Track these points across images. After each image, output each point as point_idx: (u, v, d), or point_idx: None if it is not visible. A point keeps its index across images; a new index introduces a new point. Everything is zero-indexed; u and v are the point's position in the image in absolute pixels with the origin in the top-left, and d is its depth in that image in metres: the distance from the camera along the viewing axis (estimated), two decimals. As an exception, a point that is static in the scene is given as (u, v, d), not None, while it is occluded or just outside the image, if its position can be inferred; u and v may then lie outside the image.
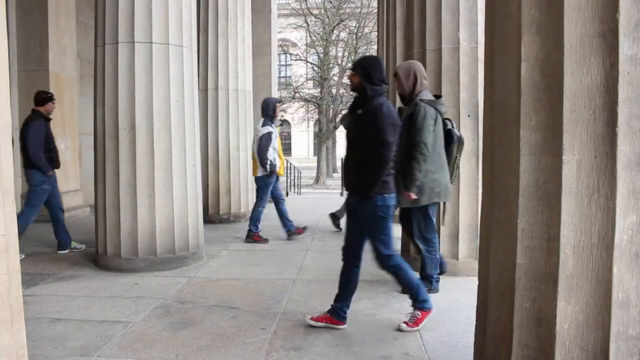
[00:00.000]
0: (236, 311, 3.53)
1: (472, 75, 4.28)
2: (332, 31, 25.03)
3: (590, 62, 1.62)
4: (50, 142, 5.24)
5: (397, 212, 3.70)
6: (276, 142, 5.87)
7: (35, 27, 7.52)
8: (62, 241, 5.42)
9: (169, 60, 4.57)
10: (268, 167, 5.78)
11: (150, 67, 4.50)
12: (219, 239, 6.14)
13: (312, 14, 25.24)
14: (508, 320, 1.84)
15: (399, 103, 4.14)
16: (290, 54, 31.30)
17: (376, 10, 14.12)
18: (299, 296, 3.90)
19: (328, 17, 24.75)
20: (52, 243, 5.64)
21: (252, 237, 5.98)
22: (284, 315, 3.44)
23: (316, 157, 26.52)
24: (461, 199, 4.31)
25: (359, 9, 24.25)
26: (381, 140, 2.93)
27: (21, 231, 5.01)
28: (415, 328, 3.14)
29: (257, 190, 6.05)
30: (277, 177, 6.08)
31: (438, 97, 3.87)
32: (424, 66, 4.40)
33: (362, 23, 24.35)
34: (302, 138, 39.33)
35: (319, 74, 25.69)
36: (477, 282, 2.17)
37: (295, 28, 26.93)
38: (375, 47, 16.63)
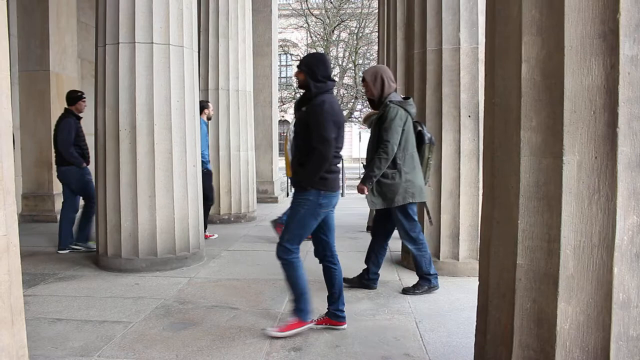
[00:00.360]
0: (237, 312, 3.53)
1: (473, 75, 4.27)
2: (333, 31, 25.04)
3: (591, 63, 1.62)
4: (81, 139, 5.45)
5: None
6: None
7: (36, 27, 7.52)
8: (63, 240, 5.42)
9: (169, 61, 4.58)
10: None
11: (151, 68, 4.50)
12: (219, 240, 6.14)
13: (312, 14, 25.25)
14: (508, 321, 1.84)
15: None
16: (291, 55, 31.31)
17: (377, 10, 14.14)
18: (300, 296, 3.89)
19: (329, 18, 24.75)
20: (53, 243, 5.65)
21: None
22: (284, 316, 3.43)
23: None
24: (462, 200, 4.31)
25: (360, 10, 24.26)
26: (321, 136, 2.92)
27: (89, 227, 5.45)
28: (281, 334, 3.03)
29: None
30: None
31: (407, 98, 3.91)
32: (425, 66, 4.42)
33: (363, 23, 24.36)
34: (303, 138, 39.27)
35: (320, 75, 25.64)
36: (477, 283, 2.17)
37: (296, 28, 26.95)
38: (376, 47, 16.64)
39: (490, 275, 2.00)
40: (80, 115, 5.50)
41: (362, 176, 3.85)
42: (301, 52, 29.62)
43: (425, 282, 3.90)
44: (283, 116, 31.95)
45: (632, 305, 1.64)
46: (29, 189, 7.74)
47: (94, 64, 4.83)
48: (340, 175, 3.14)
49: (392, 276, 4.43)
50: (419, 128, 3.96)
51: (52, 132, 5.52)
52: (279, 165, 10.89)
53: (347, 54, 25.42)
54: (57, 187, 7.67)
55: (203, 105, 6.19)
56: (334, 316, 3.19)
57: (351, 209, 8.85)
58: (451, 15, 4.29)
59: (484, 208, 2.12)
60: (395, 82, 3.91)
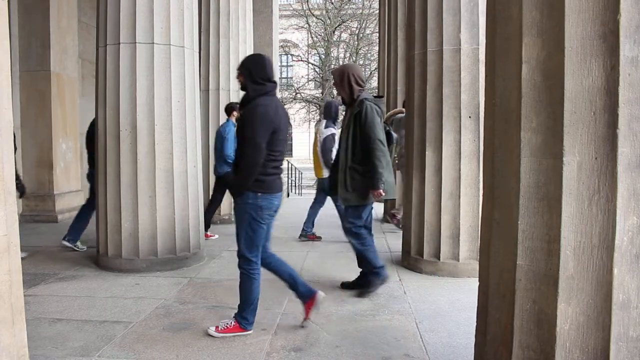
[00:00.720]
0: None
1: (473, 76, 4.28)
2: (334, 32, 25.07)
3: (591, 64, 1.62)
4: None
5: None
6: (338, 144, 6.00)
7: (37, 27, 7.53)
8: (73, 235, 5.44)
9: (170, 61, 4.58)
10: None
11: (151, 68, 4.50)
12: (219, 240, 6.14)
13: (313, 15, 25.28)
14: (508, 322, 1.84)
15: (400, 105, 4.18)
16: (292, 55, 31.33)
17: (377, 11, 14.14)
18: (300, 297, 3.90)
19: (329, 18, 24.78)
20: (53, 243, 5.65)
21: (308, 236, 6.12)
22: (284, 316, 3.44)
23: (317, 158, 26.45)
24: (462, 200, 4.31)
25: (361, 10, 24.30)
26: (251, 141, 2.90)
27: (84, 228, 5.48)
28: (221, 334, 3.04)
29: (320, 191, 6.20)
30: None
31: (379, 97, 3.92)
32: (425, 67, 4.42)
33: (364, 24, 24.39)
34: (304, 139, 39.29)
35: (320, 75, 25.72)
36: (477, 283, 2.17)
37: (297, 29, 26.96)
38: (377, 48, 16.64)
39: (490, 276, 2.00)
40: None
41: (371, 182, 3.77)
42: (302, 52, 29.65)
43: (376, 277, 3.85)
44: (283, 117, 31.91)
45: (632, 306, 1.64)
46: (30, 189, 7.73)
47: (95, 64, 4.84)
48: (282, 177, 3.13)
49: (393, 276, 4.43)
50: (387, 128, 3.97)
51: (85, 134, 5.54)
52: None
53: (348, 55, 25.45)
54: (58, 187, 7.70)
55: (232, 107, 6.15)
56: (305, 298, 3.21)
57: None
58: (452, 16, 4.29)
59: (484, 209, 2.12)
60: (363, 80, 3.90)
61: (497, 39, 1.96)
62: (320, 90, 25.33)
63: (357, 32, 24.64)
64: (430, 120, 4.39)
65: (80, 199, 8.28)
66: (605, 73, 1.60)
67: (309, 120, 30.43)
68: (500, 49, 1.94)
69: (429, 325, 3.24)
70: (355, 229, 3.88)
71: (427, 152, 4.42)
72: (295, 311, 3.53)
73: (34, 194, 7.63)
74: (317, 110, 26.44)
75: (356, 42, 24.71)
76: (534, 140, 1.74)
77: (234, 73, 7.39)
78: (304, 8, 24.80)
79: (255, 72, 2.99)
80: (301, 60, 29.10)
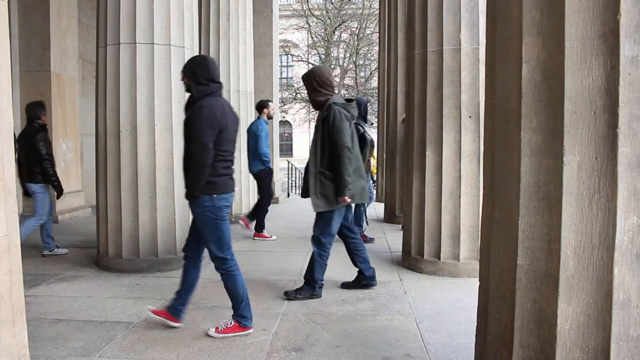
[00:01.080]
0: (237, 312, 3.53)
1: (474, 76, 4.28)
2: (334, 32, 25.07)
3: (591, 64, 1.62)
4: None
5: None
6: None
7: (37, 27, 7.54)
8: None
9: (170, 61, 4.58)
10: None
11: (151, 68, 4.51)
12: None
13: (313, 15, 25.29)
14: (509, 322, 1.84)
15: (400, 105, 4.15)
16: (292, 55, 31.34)
17: (378, 11, 14.14)
18: (300, 297, 3.89)
19: (329, 18, 24.79)
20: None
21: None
22: (285, 316, 3.44)
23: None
24: (462, 200, 4.31)
25: (361, 10, 24.30)
26: (197, 141, 2.91)
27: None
28: (221, 335, 3.06)
29: None
30: (371, 177, 6.17)
31: (350, 100, 3.88)
32: (425, 67, 4.42)
33: (364, 24, 24.39)
34: (304, 139, 39.31)
35: (321, 75, 25.67)
36: (478, 283, 2.17)
37: (297, 29, 26.97)
38: (377, 48, 16.65)
39: (490, 276, 2.00)
40: None
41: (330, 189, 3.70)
42: (302, 52, 29.66)
43: (310, 289, 3.81)
44: (284, 117, 31.99)
45: (633, 306, 1.64)
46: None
47: (95, 64, 4.84)
48: (232, 178, 3.16)
49: (393, 276, 4.43)
50: (362, 131, 3.93)
51: None
52: (280, 165, 10.88)
53: (348, 55, 25.46)
54: (58, 187, 7.69)
55: (263, 104, 6.10)
56: (173, 310, 3.21)
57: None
58: (452, 16, 4.29)
59: (484, 208, 2.12)
60: (330, 83, 3.82)
61: (497, 38, 1.96)
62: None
63: (357, 32, 24.65)
64: (430, 120, 4.39)
65: (81, 199, 8.30)
66: (605, 73, 1.60)
67: (309, 121, 30.42)
68: (500, 49, 1.94)
69: (429, 325, 3.24)
70: (323, 237, 3.80)
71: (427, 152, 4.42)
72: (296, 311, 3.53)
73: (34, 194, 7.61)
74: (317, 111, 26.40)
75: (356, 42, 24.71)
76: (534, 140, 1.74)
77: (234, 73, 7.44)
78: (304, 8, 24.80)
79: (198, 73, 3.00)
80: (301, 61, 29.11)
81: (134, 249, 4.55)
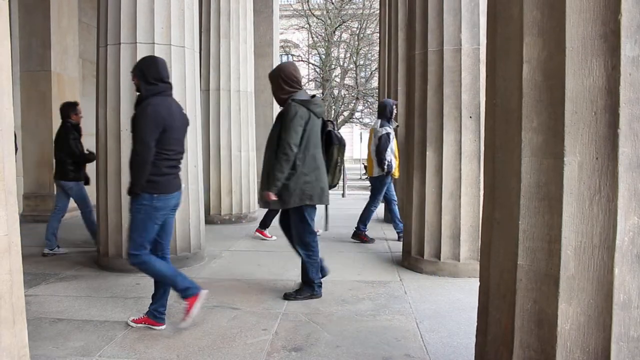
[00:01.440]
0: (237, 312, 3.53)
1: (474, 76, 4.27)
2: (334, 32, 25.05)
3: (592, 64, 1.62)
4: None
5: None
6: (393, 144, 5.94)
7: (38, 27, 7.54)
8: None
9: (171, 61, 4.57)
10: (386, 167, 5.83)
11: (152, 68, 4.50)
12: (220, 240, 6.14)
13: (314, 15, 25.26)
14: (509, 322, 1.84)
15: (401, 105, 4.10)
16: (292, 55, 31.30)
17: (378, 11, 14.13)
18: (300, 297, 3.89)
19: (330, 19, 24.76)
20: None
21: (360, 236, 6.02)
22: (285, 316, 3.44)
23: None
24: (463, 200, 4.31)
25: (361, 11, 24.28)
26: (140, 139, 2.95)
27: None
28: (188, 318, 3.13)
29: (372, 190, 6.16)
30: (392, 179, 6.16)
31: (313, 96, 3.81)
32: (426, 67, 4.42)
33: (364, 24, 24.37)
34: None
35: (321, 75, 25.71)
36: (478, 283, 2.17)
37: (297, 29, 26.93)
38: (377, 48, 16.63)
39: (490, 276, 2.00)
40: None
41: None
42: (302, 52, 29.64)
43: (309, 289, 3.80)
44: (284, 117, 31.89)
45: (633, 306, 1.64)
46: (30, 189, 7.76)
47: (96, 64, 4.84)
48: (178, 177, 3.22)
49: (393, 276, 4.43)
50: (329, 128, 3.88)
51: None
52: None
53: (349, 55, 25.44)
54: (59, 187, 7.69)
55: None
56: (153, 316, 3.21)
57: (351, 209, 8.83)
58: (452, 16, 4.29)
59: (484, 209, 2.12)
60: (297, 80, 3.76)
61: (498, 39, 1.96)
62: (321, 91, 25.30)
63: (357, 32, 24.61)
64: (431, 121, 4.39)
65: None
66: (606, 73, 1.60)
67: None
68: (501, 49, 1.94)
69: (429, 325, 3.24)
70: (305, 238, 3.76)
71: (427, 152, 4.42)
72: (296, 311, 3.53)
73: (34, 194, 7.64)
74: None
75: (357, 42, 24.68)
76: (534, 140, 1.74)
77: (234, 73, 7.45)
78: (305, 8, 24.77)
79: (147, 72, 3.04)
80: (302, 61, 29.07)
81: (134, 248, 4.55)
